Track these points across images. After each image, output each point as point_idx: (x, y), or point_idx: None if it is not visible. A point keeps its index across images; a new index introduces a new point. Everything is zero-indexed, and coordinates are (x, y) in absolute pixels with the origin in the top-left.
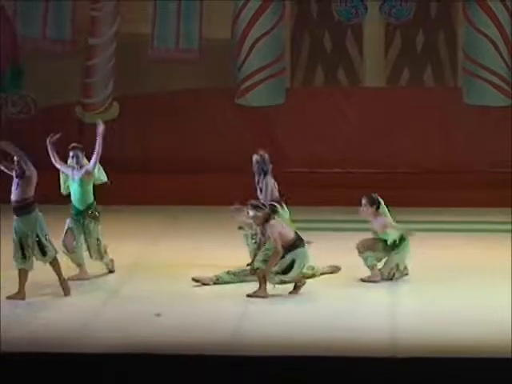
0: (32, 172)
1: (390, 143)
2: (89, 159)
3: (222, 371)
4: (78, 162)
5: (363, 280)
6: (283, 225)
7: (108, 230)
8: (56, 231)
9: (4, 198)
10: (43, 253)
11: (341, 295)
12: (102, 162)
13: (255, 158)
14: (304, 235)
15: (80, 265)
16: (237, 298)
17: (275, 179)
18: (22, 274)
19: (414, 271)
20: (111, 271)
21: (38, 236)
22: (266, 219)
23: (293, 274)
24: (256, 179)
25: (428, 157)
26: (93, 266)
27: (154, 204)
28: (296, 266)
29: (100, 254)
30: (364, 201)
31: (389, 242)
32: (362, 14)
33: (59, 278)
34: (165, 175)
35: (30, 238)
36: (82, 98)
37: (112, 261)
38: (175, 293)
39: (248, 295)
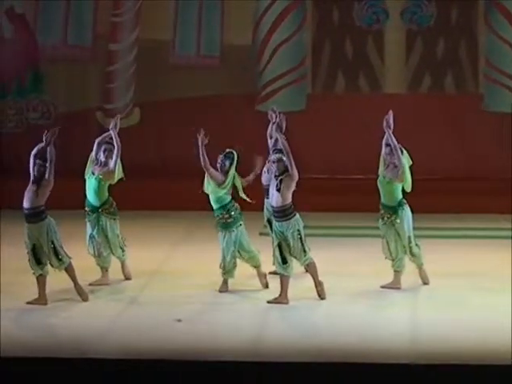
0: (49, 182)
1: (411, 149)
2: None
3: (242, 377)
4: (107, 157)
5: (383, 287)
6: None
7: (128, 235)
8: (73, 236)
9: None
10: (59, 259)
11: (361, 301)
12: (123, 165)
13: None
14: (324, 241)
15: (106, 269)
16: (257, 304)
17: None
18: (41, 280)
19: (433, 277)
20: (128, 279)
21: (53, 243)
22: (287, 168)
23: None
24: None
25: (448, 163)
26: (113, 271)
27: (175, 209)
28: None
29: (122, 249)
30: None
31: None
32: (383, 20)
33: (75, 285)
34: (185, 180)
35: (44, 245)
36: (102, 104)
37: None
38: (195, 299)
39: (268, 301)
